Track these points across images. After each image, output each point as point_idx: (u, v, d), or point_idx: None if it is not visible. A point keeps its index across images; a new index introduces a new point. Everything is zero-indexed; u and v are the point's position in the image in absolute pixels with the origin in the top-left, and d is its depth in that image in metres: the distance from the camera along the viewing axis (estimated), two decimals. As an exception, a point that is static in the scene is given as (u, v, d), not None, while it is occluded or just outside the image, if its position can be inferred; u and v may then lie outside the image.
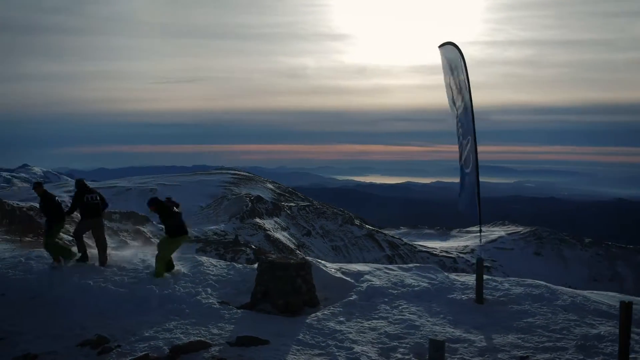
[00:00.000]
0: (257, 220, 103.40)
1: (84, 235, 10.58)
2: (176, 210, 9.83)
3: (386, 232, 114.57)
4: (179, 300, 8.38)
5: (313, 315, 7.94)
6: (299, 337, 7.21)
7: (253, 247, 57.89)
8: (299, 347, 6.93)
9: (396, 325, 7.62)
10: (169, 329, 7.45)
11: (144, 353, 6.74)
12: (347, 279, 9.27)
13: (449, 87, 8.91)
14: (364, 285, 8.96)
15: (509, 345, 7.10)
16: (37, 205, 10.62)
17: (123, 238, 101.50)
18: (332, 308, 8.19)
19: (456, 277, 9.36)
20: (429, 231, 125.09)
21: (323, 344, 7.03)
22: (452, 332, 7.47)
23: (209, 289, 8.84)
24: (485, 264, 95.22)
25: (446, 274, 9.55)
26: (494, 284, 9.02)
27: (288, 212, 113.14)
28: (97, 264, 10.12)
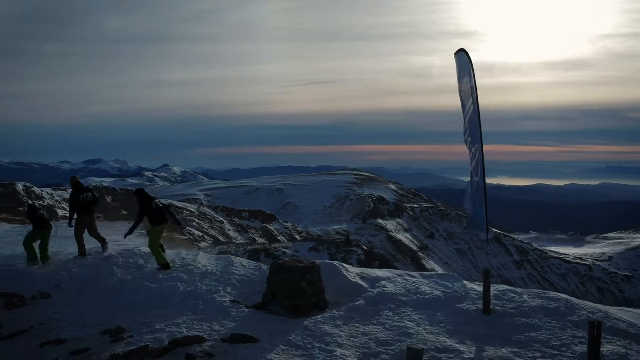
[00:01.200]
0: (379, 220, 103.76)
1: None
2: (157, 203, 10.97)
3: (514, 236, 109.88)
4: (198, 297, 9.06)
5: (313, 317, 8.26)
6: (290, 337, 7.56)
7: (364, 247, 58.31)
8: (284, 347, 7.28)
9: (390, 332, 7.72)
10: (178, 323, 8.11)
11: (145, 344, 7.46)
12: (361, 283, 9.45)
13: (459, 92, 8.80)
14: (375, 290, 9.10)
15: (498, 359, 6.98)
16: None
17: (251, 235, 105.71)
18: (334, 311, 8.45)
19: (473, 287, 9.17)
20: (561, 236, 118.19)
21: (309, 346, 7.32)
22: (444, 341, 7.43)
23: (228, 288, 9.44)
24: (625, 272, 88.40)
25: (465, 282, 9.40)
26: (511, 295, 8.76)
27: (411, 213, 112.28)
28: (104, 252, 11.61)
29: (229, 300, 8.87)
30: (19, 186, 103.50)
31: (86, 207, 11.70)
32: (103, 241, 11.84)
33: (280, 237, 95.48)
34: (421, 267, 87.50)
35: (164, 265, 10.62)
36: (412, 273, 9.95)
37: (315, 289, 8.68)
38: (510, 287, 9.10)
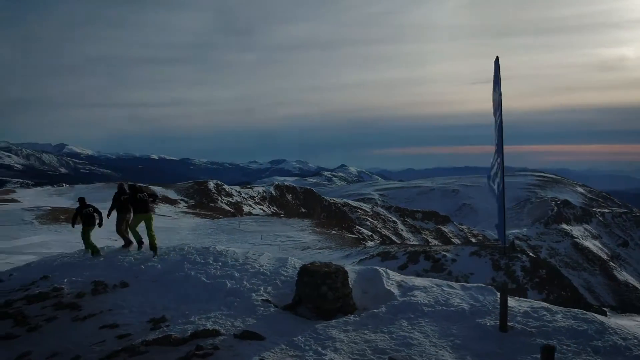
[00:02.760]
0: (564, 226, 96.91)
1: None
2: (141, 195, 12.99)
3: None
4: (238, 295, 9.73)
5: (327, 321, 8.49)
6: (294, 338, 7.89)
7: (531, 254, 54.82)
8: (284, 347, 7.64)
9: (392, 342, 7.69)
10: (209, 317, 8.85)
11: (171, 333, 8.33)
12: (393, 291, 9.40)
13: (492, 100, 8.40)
14: (403, 299, 9.02)
15: (489, 379, 6.72)
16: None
17: (424, 236, 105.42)
18: (352, 317, 8.59)
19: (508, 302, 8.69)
20: None
21: (307, 348, 7.59)
22: (442, 355, 7.25)
23: (269, 288, 9.97)
24: None
25: (499, 295, 8.92)
26: (543, 313, 8.15)
27: (600, 219, 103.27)
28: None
29: (261, 300, 9.43)
30: (211, 184, 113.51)
31: (125, 208, 13.65)
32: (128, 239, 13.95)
33: (455, 240, 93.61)
34: (612, 278, 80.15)
35: (134, 243, 13.53)
36: (454, 284, 9.65)
37: (338, 294, 8.88)
38: (547, 305, 8.47)
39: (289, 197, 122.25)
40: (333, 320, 8.49)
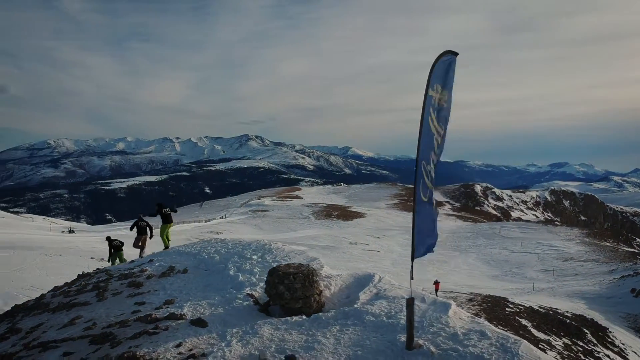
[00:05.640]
0: None
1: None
2: (166, 210, 16.88)
3: None
4: (237, 287, 10.51)
5: (270, 319, 8.73)
6: (228, 330, 8.40)
7: None
8: (211, 335, 8.24)
9: (300, 344, 7.71)
10: (197, 304, 9.85)
11: (152, 313, 9.52)
12: (361, 298, 9.18)
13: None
14: (358, 307, 8.79)
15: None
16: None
17: None
18: (297, 317, 8.67)
19: (457, 321, 7.80)
20: None
21: (228, 338, 8.05)
22: (327, 363, 7.11)
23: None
24: None
25: (453, 313, 8.00)
26: (472, 336, 7.23)
27: None
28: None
29: (246, 294, 10.05)
30: (478, 187, 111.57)
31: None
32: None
33: None
34: None
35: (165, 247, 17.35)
36: (429, 299, 8.88)
37: (297, 295, 9.03)
38: (487, 330, 7.42)
39: (567, 203, 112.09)
40: (276, 319, 8.72)
